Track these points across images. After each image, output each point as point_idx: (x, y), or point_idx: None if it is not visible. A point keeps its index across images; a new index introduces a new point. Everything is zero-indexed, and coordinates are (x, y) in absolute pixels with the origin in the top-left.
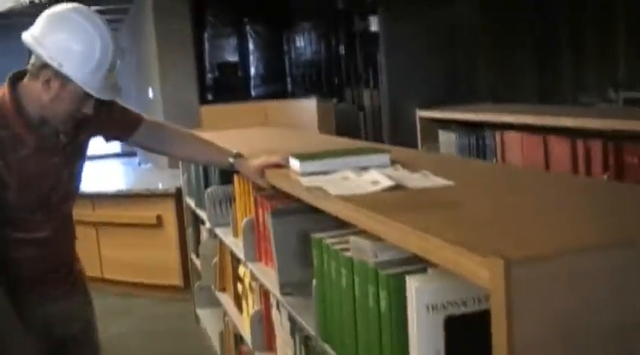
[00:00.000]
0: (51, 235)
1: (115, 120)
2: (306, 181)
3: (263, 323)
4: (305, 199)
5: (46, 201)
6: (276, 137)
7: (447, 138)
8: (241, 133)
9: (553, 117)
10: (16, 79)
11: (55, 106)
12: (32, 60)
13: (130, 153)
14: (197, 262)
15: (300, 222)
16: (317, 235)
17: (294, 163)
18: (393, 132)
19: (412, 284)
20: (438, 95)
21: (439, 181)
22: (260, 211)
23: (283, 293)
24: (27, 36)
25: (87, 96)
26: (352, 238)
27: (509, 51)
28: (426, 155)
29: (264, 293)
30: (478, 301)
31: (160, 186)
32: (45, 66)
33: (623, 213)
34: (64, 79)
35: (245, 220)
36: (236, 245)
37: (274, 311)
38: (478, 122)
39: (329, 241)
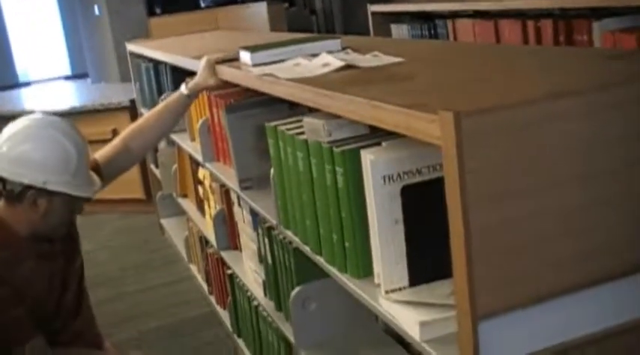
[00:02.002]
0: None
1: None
2: (257, 71)
3: (226, 222)
4: (257, 88)
5: (65, 307)
6: (227, 38)
7: (399, 32)
8: (192, 38)
9: (503, 1)
10: None
11: (48, 221)
12: (8, 187)
13: (82, 75)
14: (157, 172)
15: (255, 116)
16: (271, 123)
17: (245, 55)
18: (347, 33)
19: (367, 157)
20: None
21: (390, 59)
22: (214, 111)
23: (243, 188)
24: None
25: (75, 198)
26: (305, 119)
27: None
28: (377, 39)
29: (225, 193)
30: (433, 169)
31: (113, 99)
32: (26, 189)
33: (569, 68)
34: (50, 194)
35: (200, 121)
36: (194, 148)
37: (236, 209)
38: (430, 13)
39: (283, 127)
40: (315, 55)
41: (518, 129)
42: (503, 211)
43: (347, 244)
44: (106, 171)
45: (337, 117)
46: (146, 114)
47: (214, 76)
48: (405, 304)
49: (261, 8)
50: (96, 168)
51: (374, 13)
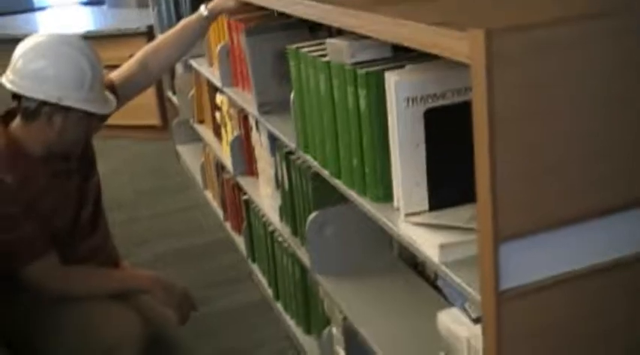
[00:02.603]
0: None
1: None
2: None
3: (243, 147)
4: (280, 9)
5: (82, 221)
6: None
7: None
8: None
9: None
10: (5, 122)
11: (63, 138)
12: (23, 103)
13: (98, 2)
14: (174, 98)
15: (275, 40)
16: (293, 46)
17: None
18: None
19: (391, 78)
20: None
21: None
22: (234, 35)
23: (262, 112)
24: (8, 83)
25: (90, 114)
26: (329, 41)
27: None
28: None
29: (243, 118)
30: (457, 93)
31: (131, 25)
32: (42, 105)
33: None
34: (66, 110)
35: (219, 46)
36: (212, 73)
37: (254, 134)
38: None
39: (305, 50)
40: None
41: (547, 50)
42: (528, 133)
43: (367, 168)
44: (122, 91)
45: (360, 39)
46: (164, 34)
47: None
48: (424, 227)
49: None
50: (112, 87)
51: None
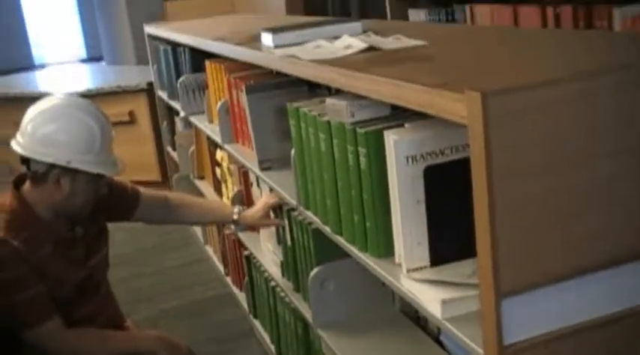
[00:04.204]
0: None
1: (117, 198)
2: (279, 52)
3: (244, 203)
4: (279, 69)
5: (83, 289)
6: (245, 21)
7: (416, 17)
8: (210, 21)
9: None
10: (16, 186)
11: (71, 201)
12: (33, 167)
13: (97, 58)
14: (174, 155)
15: (275, 97)
16: (293, 104)
17: (267, 37)
18: (363, 15)
19: (391, 138)
20: None
21: (412, 42)
22: (234, 92)
23: (263, 169)
24: (18, 147)
25: (99, 177)
26: (328, 100)
27: None
28: (398, 23)
29: (244, 174)
30: (456, 150)
31: (131, 82)
32: (50, 168)
33: (594, 49)
34: (74, 173)
35: (220, 103)
36: (212, 130)
37: (254, 190)
38: None
39: (305, 109)
40: (336, 38)
41: (543, 108)
42: (527, 189)
43: (368, 224)
44: (140, 210)
45: (359, 98)
46: (198, 199)
47: (265, 219)
48: (426, 283)
49: None
50: (135, 195)
51: None
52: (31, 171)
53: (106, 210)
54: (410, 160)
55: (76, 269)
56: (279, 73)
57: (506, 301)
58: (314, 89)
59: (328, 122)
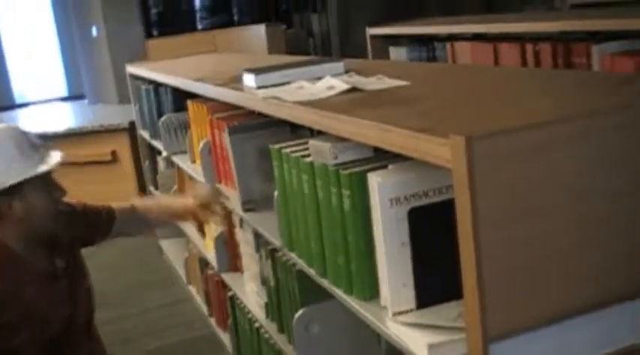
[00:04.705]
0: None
1: (93, 222)
2: (261, 93)
3: (227, 244)
4: (262, 110)
5: (70, 326)
6: (226, 60)
7: (398, 55)
8: (191, 60)
9: (502, 24)
10: None
11: (35, 220)
12: None
13: (79, 96)
14: (156, 194)
15: (258, 138)
16: (276, 146)
17: (249, 78)
18: (344, 55)
19: (374, 180)
20: (386, 13)
21: (395, 82)
22: (216, 132)
23: (246, 210)
24: None
25: (39, 179)
26: (311, 141)
27: None
28: (380, 62)
29: (227, 215)
30: (439, 192)
31: (112, 121)
32: None
33: (578, 90)
34: (16, 192)
35: (202, 143)
36: (194, 170)
37: (238, 231)
38: (428, 35)
39: (288, 150)
40: (318, 78)
41: (528, 151)
42: (513, 232)
43: (353, 266)
44: (116, 227)
45: (342, 140)
46: (150, 200)
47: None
48: (412, 326)
49: (260, 31)
50: (109, 215)
51: (373, 36)
52: None
53: (85, 236)
54: (394, 202)
55: (65, 304)
56: (261, 114)
57: (494, 346)
58: (297, 130)
59: (311, 163)
